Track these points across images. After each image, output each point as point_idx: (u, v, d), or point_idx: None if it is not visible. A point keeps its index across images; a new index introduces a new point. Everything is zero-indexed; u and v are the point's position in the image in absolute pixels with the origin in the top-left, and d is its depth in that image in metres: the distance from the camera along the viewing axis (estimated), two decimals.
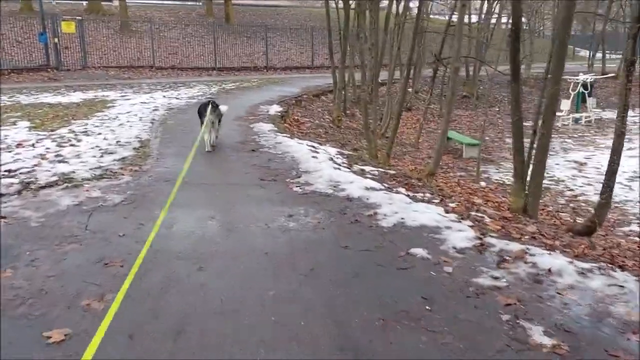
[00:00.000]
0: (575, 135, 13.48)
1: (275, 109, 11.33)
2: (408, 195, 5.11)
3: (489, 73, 18.27)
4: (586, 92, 15.13)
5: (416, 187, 5.86)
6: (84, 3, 25.66)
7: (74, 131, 8.24)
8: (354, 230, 4.15)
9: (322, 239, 3.94)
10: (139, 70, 19.72)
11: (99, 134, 8.10)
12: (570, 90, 14.60)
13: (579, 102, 14.67)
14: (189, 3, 31.29)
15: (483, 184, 8.82)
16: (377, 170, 6.46)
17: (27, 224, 4.12)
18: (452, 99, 7.95)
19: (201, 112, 7.06)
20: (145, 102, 11.89)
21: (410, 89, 18.37)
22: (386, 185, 5.62)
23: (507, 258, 3.46)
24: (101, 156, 6.51)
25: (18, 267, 3.35)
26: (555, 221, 6.69)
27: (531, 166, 5.79)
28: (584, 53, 31.17)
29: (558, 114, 15.35)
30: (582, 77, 14.78)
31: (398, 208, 4.63)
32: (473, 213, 4.68)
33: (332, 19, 13.85)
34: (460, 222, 4.22)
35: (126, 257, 3.49)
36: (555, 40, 5.97)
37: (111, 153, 6.69)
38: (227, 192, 5.13)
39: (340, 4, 14.59)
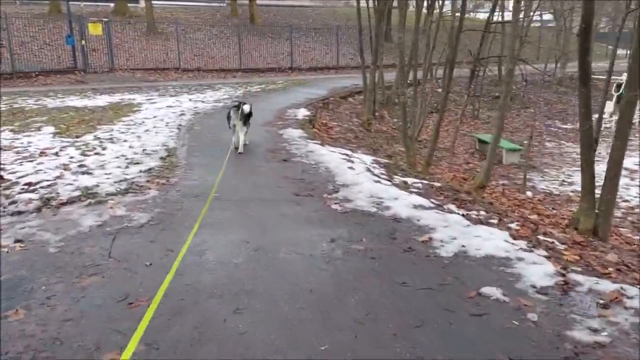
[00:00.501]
0: None
1: (303, 113, 10.83)
2: (464, 216, 4.54)
3: (524, 73, 17.47)
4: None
5: (467, 203, 5.27)
6: (111, 5, 25.63)
7: (99, 138, 7.88)
8: (409, 260, 3.60)
9: (373, 272, 3.41)
10: (164, 73, 19.47)
11: (125, 141, 7.72)
12: (612, 92, 13.76)
13: None
14: (214, 4, 31.06)
15: (529, 194, 8.18)
16: (421, 183, 5.89)
17: (44, 250, 3.69)
18: (505, 104, 7.32)
19: (230, 116, 7.21)
20: (171, 106, 11.52)
21: (439, 90, 17.70)
22: (434, 201, 5.06)
23: (601, 301, 2.87)
24: (126, 167, 6.09)
25: (32, 307, 2.91)
26: (619, 240, 6.03)
27: (603, 182, 5.14)
28: (621, 52, 29.78)
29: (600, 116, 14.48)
30: (625, 77, 13.90)
31: (456, 232, 4.07)
32: (541, 237, 4.09)
33: (362, 18, 13.27)
34: (531, 251, 3.63)
35: (153, 293, 3.02)
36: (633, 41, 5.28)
37: (137, 163, 6.28)
38: (260, 210, 4.64)
39: (371, 3, 14.03)
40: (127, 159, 6.52)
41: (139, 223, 4.26)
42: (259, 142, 7.76)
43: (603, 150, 10.99)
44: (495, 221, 4.61)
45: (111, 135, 8.15)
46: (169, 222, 4.31)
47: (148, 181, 5.50)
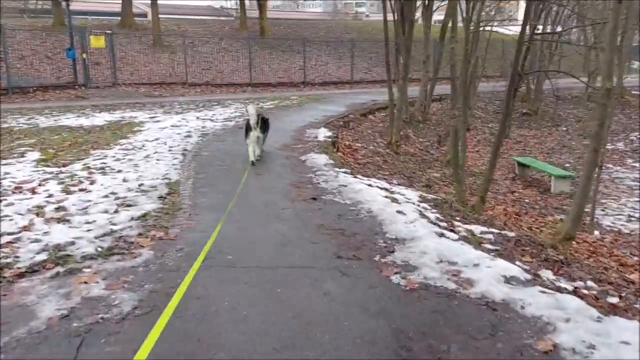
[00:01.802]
0: None
1: (324, 134, 9.52)
2: (581, 297, 3.16)
3: (554, 88, 16.13)
4: None
5: (563, 266, 3.91)
6: (119, 18, 24.60)
7: (89, 167, 6.59)
8: None
9: None
10: (171, 87, 18.27)
11: (119, 171, 6.41)
12: None
13: None
14: (223, 17, 30.05)
15: (597, 233, 6.80)
16: (492, 233, 4.53)
17: None
18: (603, 130, 5.97)
19: (248, 127, 6.85)
20: (176, 126, 10.25)
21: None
22: (523, 266, 3.69)
23: None
24: (115, 211, 4.76)
25: None
26: None
27: None
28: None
29: None
30: None
31: (587, 332, 2.70)
32: None
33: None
34: None
35: None
36: None
37: (129, 205, 4.95)
38: (290, 288, 3.26)
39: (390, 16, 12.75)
40: (117, 198, 5.19)
41: (120, 312, 2.91)
42: (279, 172, 6.43)
43: None
44: (619, 302, 3.24)
45: (104, 163, 6.85)
46: (164, 306, 2.96)
47: (140, 234, 4.16)
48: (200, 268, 3.49)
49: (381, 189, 5.87)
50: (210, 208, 4.90)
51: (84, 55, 17.00)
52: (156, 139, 8.74)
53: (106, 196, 5.26)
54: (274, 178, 6.11)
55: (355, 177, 6.40)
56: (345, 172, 6.59)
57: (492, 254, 3.90)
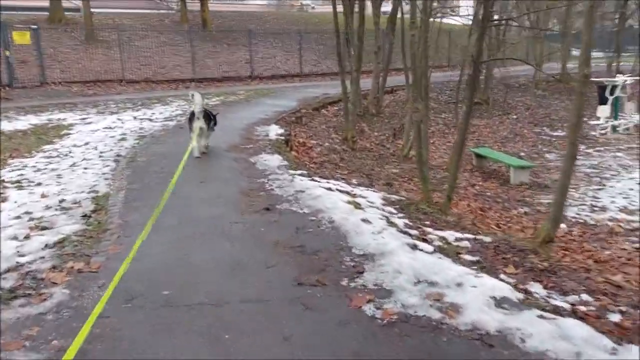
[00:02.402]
0: (623, 147, 11.40)
1: (275, 131, 8.85)
2: (583, 319, 2.71)
3: (500, 76, 16.16)
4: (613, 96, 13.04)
5: (550, 275, 3.48)
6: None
7: (2, 180, 5.64)
8: None
9: None
10: (106, 85, 16.94)
11: (38, 184, 5.52)
12: (607, 94, 12.53)
13: (617, 108, 12.66)
14: (163, 11, 28.50)
15: (563, 226, 6.54)
16: (468, 240, 4.06)
17: None
18: (581, 121, 5.60)
19: (191, 118, 6.49)
20: (110, 128, 9.27)
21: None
22: (509, 280, 3.24)
23: None
24: (26, 237, 3.93)
25: None
26: None
27: None
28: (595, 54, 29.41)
29: (596, 122, 13.26)
30: (621, 79, 12.74)
31: None
32: None
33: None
34: None
35: None
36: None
37: (45, 228, 4.12)
38: (242, 333, 2.62)
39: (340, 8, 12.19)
40: (32, 219, 4.34)
41: None
42: (227, 178, 5.73)
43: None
44: (624, 320, 2.83)
45: (22, 175, 5.92)
46: None
47: (54, 267, 3.38)
48: (126, 310, 2.79)
49: (342, 192, 5.30)
50: (144, 227, 4.16)
51: (8, 53, 15.42)
52: (86, 144, 7.78)
53: (18, 217, 4.40)
54: (221, 185, 5.41)
55: (312, 179, 5.80)
56: (301, 175, 5.98)
57: (474, 267, 3.41)
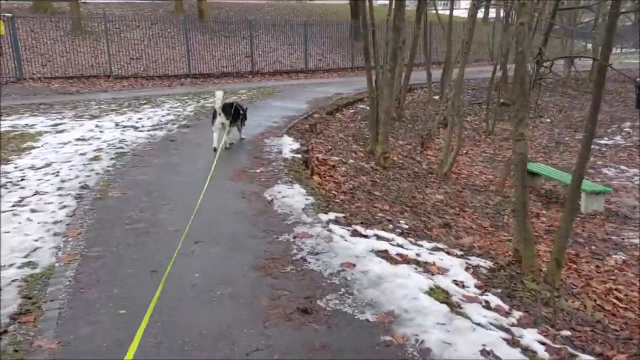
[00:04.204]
0: None
1: (289, 146, 6.97)
2: None
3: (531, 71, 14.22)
4: None
5: None
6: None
7: None
8: None
9: None
10: (91, 81, 14.94)
11: None
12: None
13: None
14: (156, 0, 26.33)
15: None
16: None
17: None
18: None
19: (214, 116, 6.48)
20: (84, 139, 7.33)
21: (436, 97, 14.21)
22: None
23: None
24: None
25: None
26: None
27: None
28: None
29: None
30: None
31: None
32: None
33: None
34: None
35: None
36: None
37: None
38: None
39: None
40: None
41: None
42: (234, 235, 3.83)
43: None
44: None
45: None
46: None
47: None
48: None
49: (407, 260, 3.45)
50: (97, 353, 2.28)
51: None
52: (47, 165, 5.86)
53: None
54: (225, 251, 3.52)
55: (356, 231, 3.95)
56: (337, 222, 4.13)
57: None
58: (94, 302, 2.79)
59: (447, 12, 16.45)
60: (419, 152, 9.68)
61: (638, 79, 13.30)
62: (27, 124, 8.58)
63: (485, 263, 3.74)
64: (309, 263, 3.28)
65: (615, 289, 4.41)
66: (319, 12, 25.73)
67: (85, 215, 4.18)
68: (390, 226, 4.58)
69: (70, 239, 3.69)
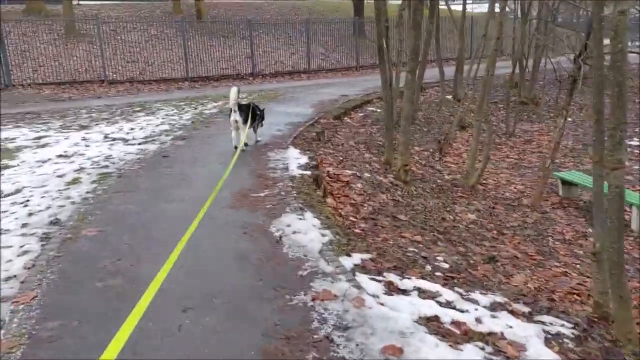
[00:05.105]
0: None
1: (296, 160, 6.05)
2: None
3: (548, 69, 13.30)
4: None
5: None
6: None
7: None
8: None
9: None
10: (85, 87, 14.04)
11: None
12: None
13: None
14: (154, 1, 25.40)
15: None
16: None
17: None
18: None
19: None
20: (66, 155, 6.44)
21: (448, 96, 13.26)
22: None
23: None
24: None
25: None
26: None
27: None
28: None
29: None
30: None
31: None
32: None
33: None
34: None
35: None
36: None
37: None
38: None
39: None
40: None
41: None
42: (233, 293, 2.91)
43: None
44: None
45: None
46: None
47: None
48: None
49: (472, 336, 2.55)
50: None
51: None
52: (17, 192, 4.96)
53: None
54: (225, 324, 2.62)
55: (388, 283, 3.05)
56: (365, 270, 3.23)
57: None
58: None
59: (455, 7, 15.52)
60: (437, 159, 8.77)
61: None
62: (7, 138, 7.69)
63: (564, 327, 2.83)
64: (338, 346, 2.37)
65: None
66: (320, 10, 24.79)
67: (47, 266, 3.27)
68: (428, 267, 3.67)
69: (21, 306, 2.79)
